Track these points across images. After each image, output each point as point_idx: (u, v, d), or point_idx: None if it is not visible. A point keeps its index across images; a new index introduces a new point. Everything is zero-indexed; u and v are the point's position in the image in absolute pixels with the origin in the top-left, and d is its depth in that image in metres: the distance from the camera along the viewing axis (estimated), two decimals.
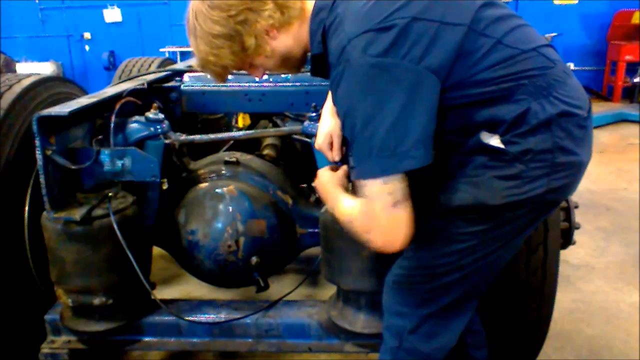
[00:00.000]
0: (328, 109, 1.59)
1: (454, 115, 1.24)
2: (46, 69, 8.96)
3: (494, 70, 1.19)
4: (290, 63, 1.43)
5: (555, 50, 1.30)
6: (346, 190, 1.39)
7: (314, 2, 1.34)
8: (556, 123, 1.19)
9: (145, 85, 2.30)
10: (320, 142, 1.57)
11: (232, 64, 1.37)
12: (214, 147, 2.52)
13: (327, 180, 1.45)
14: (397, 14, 1.16)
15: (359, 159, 1.21)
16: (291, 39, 1.36)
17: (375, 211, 1.20)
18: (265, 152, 2.54)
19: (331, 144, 1.56)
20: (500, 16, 1.24)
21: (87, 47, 9.58)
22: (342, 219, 1.34)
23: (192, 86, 2.42)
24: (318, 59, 1.35)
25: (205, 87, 2.39)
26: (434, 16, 1.17)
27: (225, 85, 2.35)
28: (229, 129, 2.97)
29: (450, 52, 1.17)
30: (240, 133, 2.30)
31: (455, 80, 1.19)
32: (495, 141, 1.20)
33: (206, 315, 1.95)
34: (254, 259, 2.00)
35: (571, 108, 1.22)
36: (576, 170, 1.26)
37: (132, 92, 2.15)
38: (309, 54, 1.40)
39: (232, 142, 2.55)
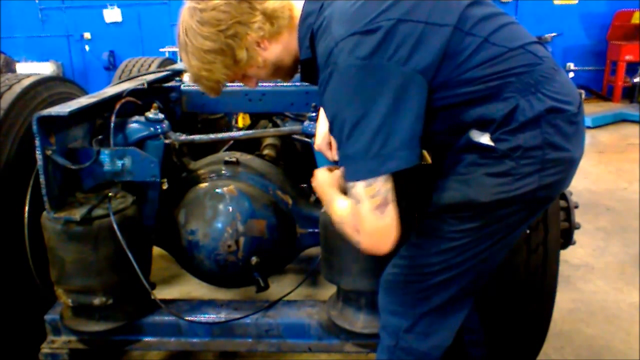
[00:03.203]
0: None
1: (444, 115, 1.24)
2: (46, 69, 8.96)
3: (481, 68, 1.20)
4: (282, 71, 1.44)
5: (544, 47, 1.30)
6: (342, 191, 1.40)
7: (301, 8, 1.35)
8: (545, 119, 1.20)
9: (145, 85, 2.30)
10: (319, 142, 1.58)
11: (225, 78, 1.38)
12: (214, 147, 2.53)
13: (323, 181, 1.45)
14: (382, 15, 1.17)
15: (346, 161, 1.21)
16: (282, 48, 1.36)
17: (361, 213, 1.21)
18: (265, 152, 2.54)
19: (330, 144, 1.56)
20: (487, 14, 1.25)
21: (87, 47, 9.58)
22: (335, 219, 1.36)
23: (192, 86, 2.42)
24: (307, 64, 1.36)
25: None
26: (419, 17, 1.18)
27: (226, 86, 2.35)
28: (229, 129, 2.97)
29: (437, 53, 1.17)
30: (240, 133, 2.30)
31: (442, 80, 1.19)
32: (485, 139, 1.21)
33: (206, 315, 1.95)
34: (254, 259, 2.00)
35: (560, 104, 1.22)
36: (568, 166, 1.26)
37: (132, 92, 2.14)
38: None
39: (232, 142, 2.55)
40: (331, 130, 1.27)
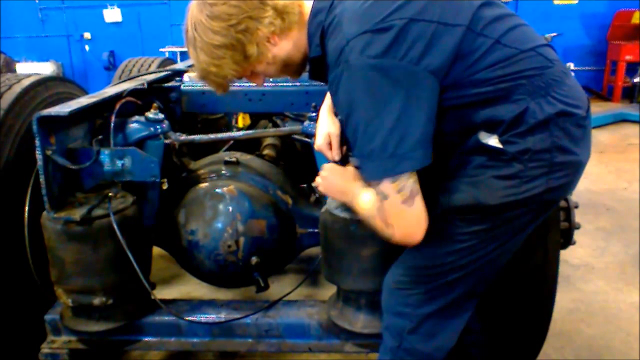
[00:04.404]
0: (325, 110, 1.59)
1: (453, 116, 1.24)
2: (46, 69, 8.96)
3: (492, 70, 1.19)
4: (291, 68, 1.43)
5: (553, 50, 1.30)
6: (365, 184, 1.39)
7: (311, 5, 1.34)
8: (554, 123, 1.20)
9: (145, 85, 2.30)
10: (319, 142, 1.58)
11: (234, 74, 1.36)
12: (214, 147, 2.52)
13: (342, 175, 1.44)
14: (395, 14, 1.17)
15: (361, 160, 1.22)
16: (291, 44, 1.36)
17: (391, 207, 1.21)
18: (265, 152, 2.54)
19: (330, 144, 1.56)
20: (498, 16, 1.25)
21: (87, 47, 9.59)
22: (362, 213, 1.34)
23: (192, 86, 2.42)
24: (316, 61, 1.35)
25: (205, 87, 2.39)
26: (431, 17, 1.17)
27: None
28: (229, 129, 2.97)
29: (449, 53, 1.17)
30: (240, 133, 2.30)
31: (453, 81, 1.19)
32: (493, 141, 1.21)
33: (206, 315, 1.95)
34: (254, 259, 2.00)
35: (569, 107, 1.22)
36: (575, 169, 1.27)
37: (132, 92, 2.14)
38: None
39: (232, 142, 2.55)
40: (346, 129, 1.26)
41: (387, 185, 1.19)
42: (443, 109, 1.22)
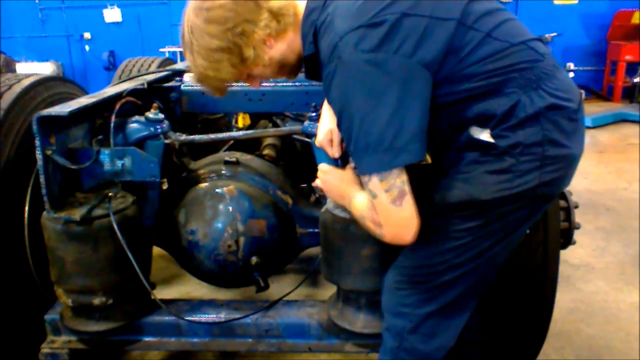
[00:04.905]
0: (328, 107, 1.59)
1: (446, 112, 1.25)
2: (46, 69, 8.98)
3: (483, 64, 1.20)
4: (287, 69, 1.44)
5: (544, 44, 1.31)
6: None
7: (304, 5, 1.35)
8: (544, 116, 1.20)
9: (145, 85, 2.30)
10: (320, 138, 1.58)
11: (231, 77, 1.38)
12: (214, 147, 2.53)
13: (338, 178, 1.45)
14: (387, 10, 1.18)
15: (357, 155, 1.22)
16: (286, 46, 1.37)
17: (380, 207, 1.22)
18: (265, 152, 2.54)
19: (332, 141, 1.56)
20: (488, 10, 1.26)
21: (87, 47, 9.59)
22: (356, 215, 1.36)
23: (192, 86, 2.42)
24: (310, 60, 1.36)
25: None
26: (423, 11, 1.19)
27: (230, 85, 2.35)
28: (229, 129, 2.97)
29: (441, 47, 1.18)
30: (240, 133, 2.30)
31: (445, 75, 1.20)
32: (485, 135, 1.21)
33: (206, 315, 1.95)
34: (254, 259, 2.00)
35: (560, 101, 1.22)
36: (568, 163, 1.26)
37: (132, 92, 2.14)
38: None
39: (232, 142, 2.55)
40: (339, 125, 1.27)
41: (375, 184, 1.20)
42: (438, 106, 1.22)
